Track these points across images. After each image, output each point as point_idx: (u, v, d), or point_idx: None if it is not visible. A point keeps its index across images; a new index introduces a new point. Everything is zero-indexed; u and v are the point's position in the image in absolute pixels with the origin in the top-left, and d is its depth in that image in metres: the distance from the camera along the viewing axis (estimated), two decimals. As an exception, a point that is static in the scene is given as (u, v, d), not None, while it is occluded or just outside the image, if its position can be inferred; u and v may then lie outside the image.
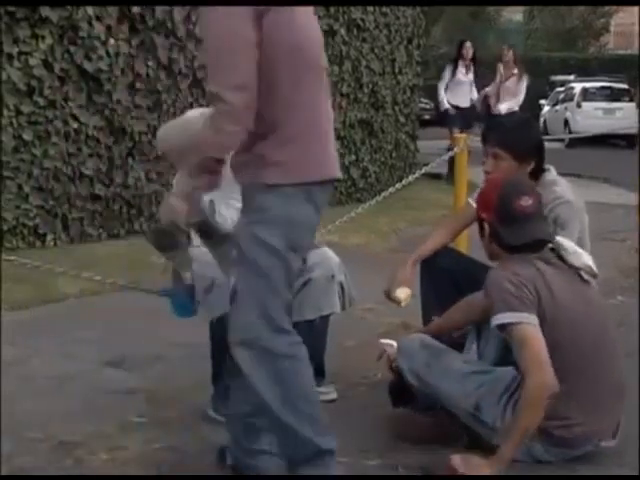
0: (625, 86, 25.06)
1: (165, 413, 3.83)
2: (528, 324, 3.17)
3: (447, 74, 12.68)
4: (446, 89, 12.60)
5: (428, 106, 23.92)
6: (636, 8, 38.29)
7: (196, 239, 3.72)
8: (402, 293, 3.94)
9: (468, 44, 12.75)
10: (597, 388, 3.30)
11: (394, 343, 3.71)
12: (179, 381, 4.21)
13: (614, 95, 24.00)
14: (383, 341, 3.82)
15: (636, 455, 3.39)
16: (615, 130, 19.77)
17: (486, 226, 3.44)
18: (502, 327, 3.23)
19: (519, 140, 3.92)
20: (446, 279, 3.98)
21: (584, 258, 3.43)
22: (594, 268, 3.43)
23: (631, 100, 23.97)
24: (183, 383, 4.17)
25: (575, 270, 3.37)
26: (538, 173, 3.96)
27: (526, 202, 3.36)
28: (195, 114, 3.54)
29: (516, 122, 4.13)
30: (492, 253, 3.48)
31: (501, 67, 12.42)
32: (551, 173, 4.07)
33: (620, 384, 3.41)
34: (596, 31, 40.19)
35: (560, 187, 4.02)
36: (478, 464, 3.13)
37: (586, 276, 3.40)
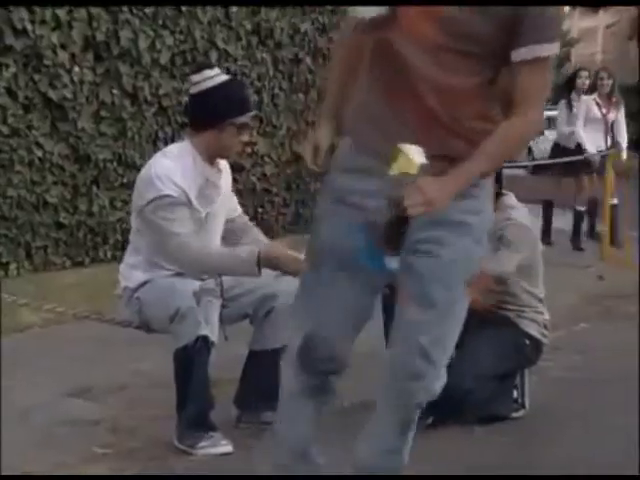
0: (587, 114, 25.33)
1: (129, 443, 3.80)
2: None
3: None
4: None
5: None
6: (599, 38, 38.89)
7: None
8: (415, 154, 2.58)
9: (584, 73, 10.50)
10: None
11: None
12: (143, 411, 4.18)
13: (577, 123, 24.22)
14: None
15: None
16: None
17: None
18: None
19: None
20: None
21: None
22: None
23: (594, 128, 24.23)
24: (147, 413, 4.14)
25: None
26: (495, 197, 4.05)
27: None
28: None
29: None
30: None
31: (596, 98, 10.09)
32: (510, 198, 4.29)
33: None
34: (558, 60, 40.72)
35: (516, 212, 4.26)
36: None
37: None
